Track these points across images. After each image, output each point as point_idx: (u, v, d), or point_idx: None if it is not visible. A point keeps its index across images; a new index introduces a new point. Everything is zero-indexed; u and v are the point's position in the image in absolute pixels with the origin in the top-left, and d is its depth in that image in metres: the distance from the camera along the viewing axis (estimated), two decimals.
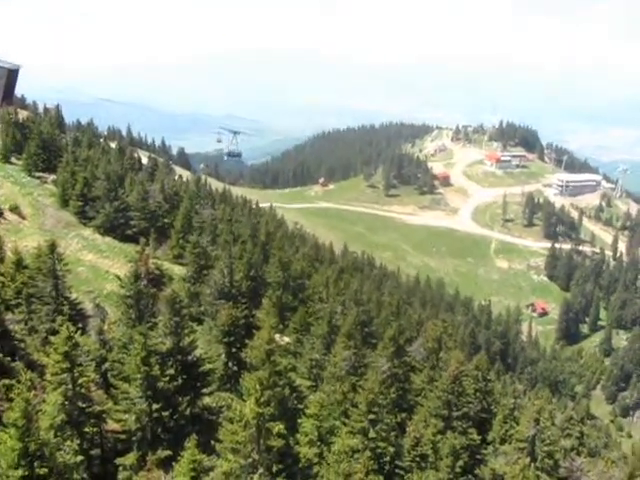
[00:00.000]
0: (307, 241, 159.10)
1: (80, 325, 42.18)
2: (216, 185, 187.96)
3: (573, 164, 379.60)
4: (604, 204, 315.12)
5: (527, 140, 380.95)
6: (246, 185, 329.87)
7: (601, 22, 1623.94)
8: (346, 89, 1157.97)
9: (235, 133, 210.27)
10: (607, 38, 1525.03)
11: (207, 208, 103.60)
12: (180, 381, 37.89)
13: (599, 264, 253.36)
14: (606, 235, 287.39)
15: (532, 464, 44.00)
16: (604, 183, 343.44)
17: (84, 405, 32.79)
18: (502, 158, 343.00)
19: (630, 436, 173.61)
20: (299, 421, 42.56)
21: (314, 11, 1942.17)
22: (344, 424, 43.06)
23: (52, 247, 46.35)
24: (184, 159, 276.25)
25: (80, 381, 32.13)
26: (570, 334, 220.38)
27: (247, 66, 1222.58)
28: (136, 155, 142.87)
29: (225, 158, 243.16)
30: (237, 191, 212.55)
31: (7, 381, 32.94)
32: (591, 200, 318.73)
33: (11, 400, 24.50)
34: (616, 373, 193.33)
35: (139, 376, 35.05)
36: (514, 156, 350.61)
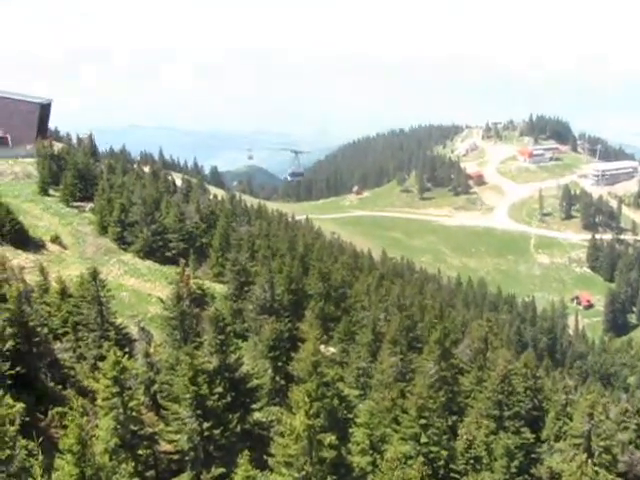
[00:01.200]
0: (345, 250, 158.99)
1: (127, 349, 42.56)
2: (251, 201, 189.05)
3: (608, 152, 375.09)
4: None
5: (559, 132, 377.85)
6: (280, 199, 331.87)
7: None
8: (372, 94, 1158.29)
9: (297, 153, 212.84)
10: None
11: (243, 225, 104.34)
12: (229, 398, 38.07)
13: None
14: None
15: (589, 460, 43.31)
16: None
17: (136, 428, 33.06)
18: (535, 152, 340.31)
19: None
20: (350, 431, 42.46)
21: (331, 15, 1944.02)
22: (395, 431, 42.92)
23: (94, 274, 46.85)
24: (217, 178, 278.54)
25: (130, 404, 32.42)
26: (618, 325, 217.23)
27: (263, 76, 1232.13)
28: (170, 178, 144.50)
29: (289, 179, 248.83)
30: (272, 206, 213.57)
31: (60, 409, 33.44)
32: (629, 187, 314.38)
33: (65, 427, 24.78)
34: None
35: (188, 396, 35.27)
36: (547, 149, 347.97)
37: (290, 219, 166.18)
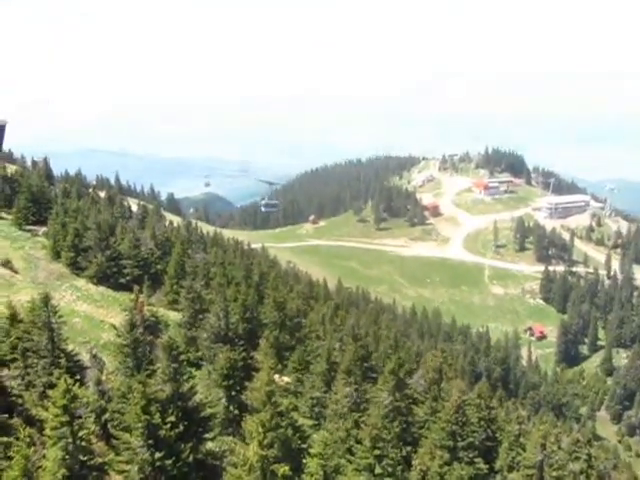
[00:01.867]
0: (301, 279, 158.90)
1: (78, 377, 41.67)
2: (207, 229, 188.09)
3: (561, 186, 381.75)
4: (594, 224, 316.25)
5: (513, 165, 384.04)
6: (237, 227, 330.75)
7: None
8: (328, 126, 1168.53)
9: (271, 184, 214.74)
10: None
11: (199, 252, 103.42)
12: (182, 428, 37.44)
13: (594, 284, 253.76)
14: (599, 255, 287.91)
15: None
16: (593, 203, 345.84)
17: (85, 458, 32.36)
18: (490, 185, 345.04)
19: (639, 455, 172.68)
20: (304, 461, 42.08)
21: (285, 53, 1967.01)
22: (349, 462, 42.66)
23: (46, 299, 46.00)
24: (173, 204, 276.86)
25: (80, 434, 31.76)
26: (570, 356, 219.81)
27: (225, 109, 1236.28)
28: (126, 203, 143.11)
29: (263, 209, 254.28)
30: (228, 233, 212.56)
31: (5, 439, 32.52)
32: (581, 221, 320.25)
33: (10, 458, 24.11)
34: (619, 392, 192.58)
35: (140, 425, 34.67)
36: (501, 182, 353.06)
37: (246, 247, 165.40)
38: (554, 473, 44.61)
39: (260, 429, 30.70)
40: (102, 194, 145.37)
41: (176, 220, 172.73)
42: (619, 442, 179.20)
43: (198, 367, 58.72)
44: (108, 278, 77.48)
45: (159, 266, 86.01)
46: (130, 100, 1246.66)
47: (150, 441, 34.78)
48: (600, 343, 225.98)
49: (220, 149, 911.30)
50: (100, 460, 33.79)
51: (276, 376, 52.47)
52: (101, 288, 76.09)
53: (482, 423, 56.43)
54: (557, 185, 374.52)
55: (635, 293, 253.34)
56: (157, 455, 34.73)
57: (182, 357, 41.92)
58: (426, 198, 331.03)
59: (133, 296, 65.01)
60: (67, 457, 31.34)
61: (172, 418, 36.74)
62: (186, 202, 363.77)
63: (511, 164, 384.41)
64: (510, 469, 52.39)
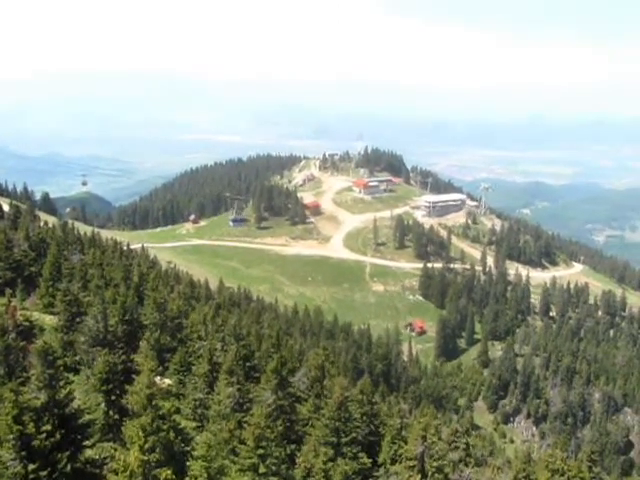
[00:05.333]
0: (182, 279, 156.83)
1: None
2: (84, 229, 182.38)
3: (438, 185, 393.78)
4: (470, 222, 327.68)
5: (393, 165, 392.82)
6: (115, 227, 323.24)
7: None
8: (211, 120, 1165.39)
9: (241, 199, 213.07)
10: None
11: (76, 253, 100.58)
12: (58, 436, 35.95)
13: (470, 280, 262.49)
14: (474, 251, 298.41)
15: None
16: (468, 201, 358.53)
17: None
18: (370, 184, 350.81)
19: (512, 441, 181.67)
20: (187, 464, 41.37)
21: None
22: (233, 462, 42.18)
23: None
24: (49, 204, 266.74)
25: None
26: (449, 350, 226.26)
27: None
28: None
29: (231, 224, 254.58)
30: (106, 234, 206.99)
31: None
32: (458, 219, 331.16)
33: None
34: (495, 383, 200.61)
35: (11, 436, 33.02)
36: (381, 181, 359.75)
37: (125, 248, 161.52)
38: (435, 463, 45.60)
39: (141, 433, 29.96)
40: None
41: (52, 220, 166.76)
42: (495, 430, 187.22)
43: (76, 372, 56.75)
44: None
45: (33, 268, 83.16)
46: None
47: (23, 453, 33.17)
48: (477, 336, 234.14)
49: (100, 148, 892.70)
50: None
51: (157, 378, 51.36)
52: None
53: (365, 418, 57.02)
54: (435, 184, 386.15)
55: (509, 288, 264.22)
56: (31, 467, 33.19)
57: (58, 362, 40.21)
58: (307, 197, 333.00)
59: (4, 300, 62.48)
60: None
61: (48, 427, 35.19)
62: (62, 202, 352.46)
63: (390, 164, 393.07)
64: (393, 462, 53.14)
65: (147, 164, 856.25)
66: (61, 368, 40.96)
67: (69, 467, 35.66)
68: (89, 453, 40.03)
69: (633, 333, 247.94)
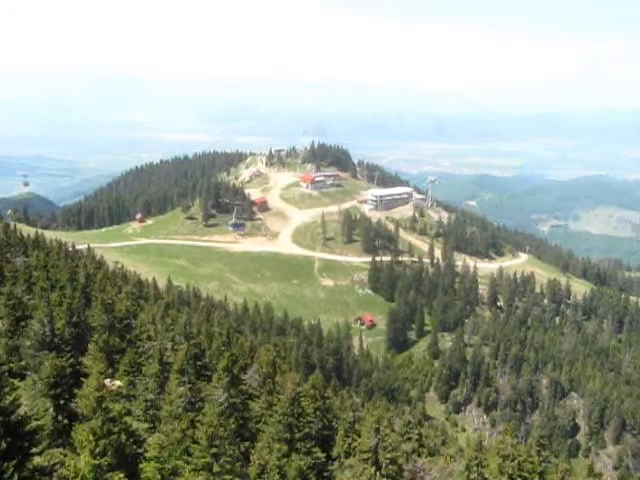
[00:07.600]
0: (129, 280, 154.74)
1: None
2: (27, 230, 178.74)
3: (385, 179, 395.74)
4: (417, 215, 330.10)
5: (340, 159, 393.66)
6: (60, 228, 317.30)
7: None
8: (153, 119, 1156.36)
9: (241, 204, 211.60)
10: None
11: (19, 256, 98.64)
12: (4, 445, 35.05)
13: (419, 272, 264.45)
14: (422, 244, 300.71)
15: (377, 473, 44.63)
16: (415, 194, 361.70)
17: None
18: (316, 179, 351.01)
19: (464, 430, 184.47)
20: (140, 466, 40.79)
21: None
22: (187, 462, 41.73)
23: None
24: None
25: None
26: (399, 342, 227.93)
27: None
28: None
29: (230, 229, 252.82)
30: (51, 235, 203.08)
31: None
32: (405, 212, 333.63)
33: None
34: (445, 373, 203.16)
35: None
36: (328, 176, 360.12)
37: (71, 249, 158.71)
38: (388, 455, 45.75)
39: (91, 437, 29.38)
40: None
41: None
42: (447, 419, 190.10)
43: (22, 377, 55.63)
44: None
45: None
46: None
47: None
48: (427, 328, 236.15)
49: (41, 148, 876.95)
50: None
51: (107, 381, 50.49)
52: None
53: (318, 413, 57.05)
54: (381, 178, 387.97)
55: (457, 279, 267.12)
56: None
57: (3, 368, 39.30)
58: (254, 193, 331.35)
59: None
60: None
61: None
62: (3, 203, 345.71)
63: (337, 158, 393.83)
64: (347, 455, 53.33)
65: (91, 163, 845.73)
66: (6, 374, 39.98)
67: (16, 477, 34.78)
68: (37, 460, 39.06)
69: (577, 320, 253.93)
